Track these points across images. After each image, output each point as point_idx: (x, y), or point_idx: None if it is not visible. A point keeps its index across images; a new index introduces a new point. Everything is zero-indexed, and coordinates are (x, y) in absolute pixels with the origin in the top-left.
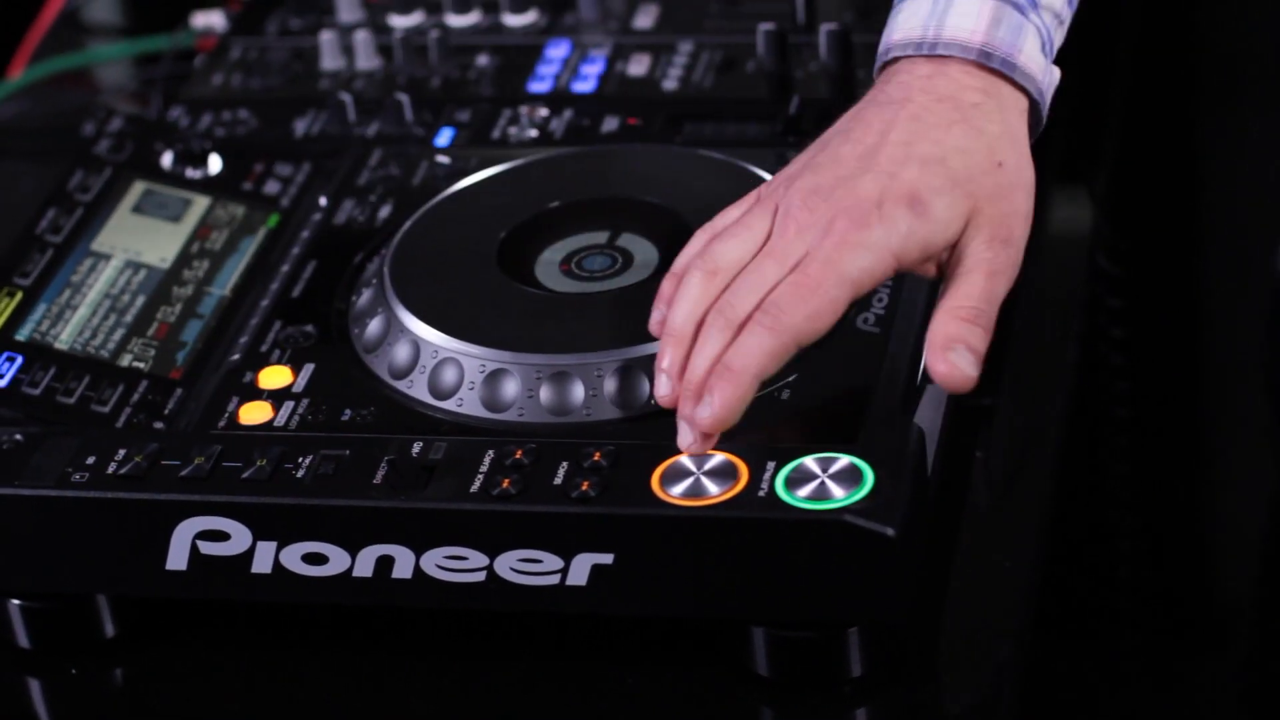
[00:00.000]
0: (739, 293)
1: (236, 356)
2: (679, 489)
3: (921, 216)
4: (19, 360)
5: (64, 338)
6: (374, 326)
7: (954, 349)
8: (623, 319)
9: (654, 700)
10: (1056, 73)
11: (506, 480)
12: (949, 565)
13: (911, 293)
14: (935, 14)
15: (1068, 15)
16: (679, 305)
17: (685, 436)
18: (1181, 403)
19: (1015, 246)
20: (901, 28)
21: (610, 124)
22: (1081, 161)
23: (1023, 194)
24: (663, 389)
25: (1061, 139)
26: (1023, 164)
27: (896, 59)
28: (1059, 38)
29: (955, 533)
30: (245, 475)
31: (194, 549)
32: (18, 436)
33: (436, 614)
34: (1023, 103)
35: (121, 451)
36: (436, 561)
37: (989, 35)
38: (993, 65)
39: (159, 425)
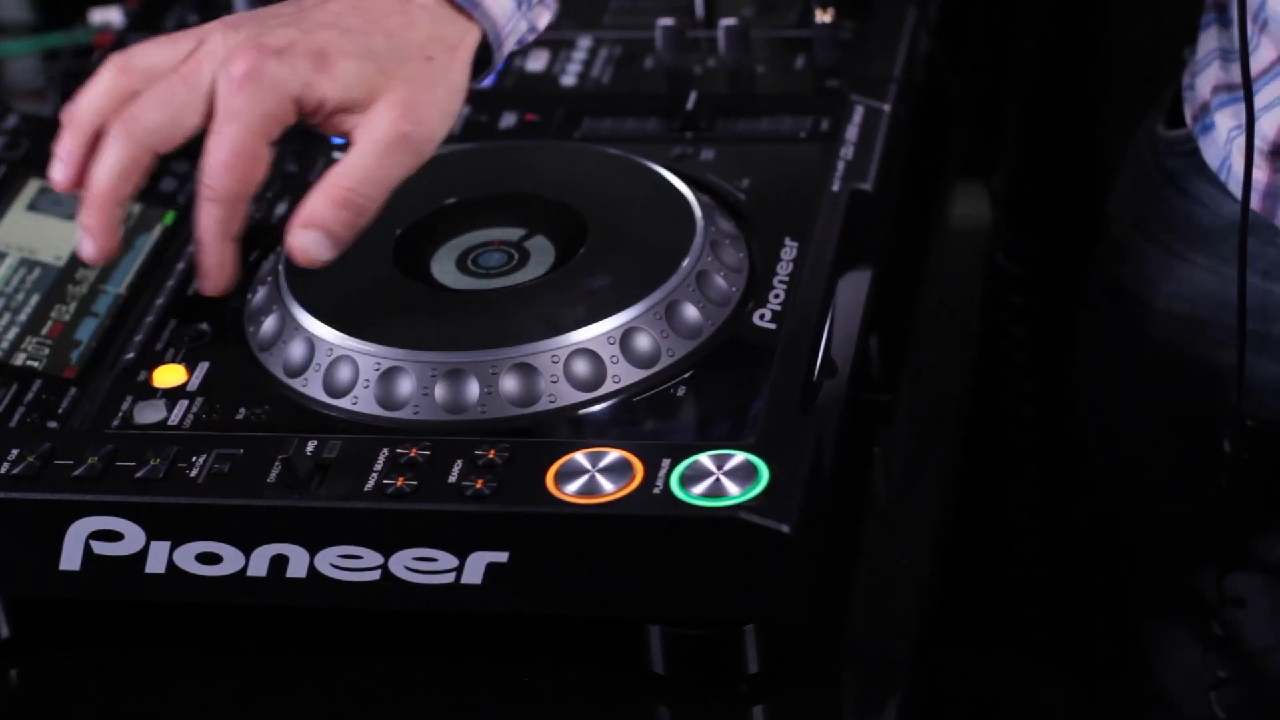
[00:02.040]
0: (144, 106)
1: (131, 355)
2: (574, 486)
3: (322, 71)
4: None
5: None
6: (269, 324)
7: (310, 231)
8: (519, 316)
9: (550, 699)
10: (525, 25)
11: (401, 479)
12: (848, 562)
13: (809, 290)
14: None
15: None
16: (85, 93)
17: (85, 247)
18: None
19: (423, 135)
20: None
21: (508, 120)
22: (981, 158)
23: (444, 92)
24: (57, 175)
25: (961, 135)
26: (452, 69)
27: None
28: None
29: (854, 530)
30: (139, 475)
31: (87, 549)
32: None
33: (333, 613)
34: (474, 36)
35: (14, 451)
36: (331, 561)
37: None
38: (457, 1)
39: (53, 425)
